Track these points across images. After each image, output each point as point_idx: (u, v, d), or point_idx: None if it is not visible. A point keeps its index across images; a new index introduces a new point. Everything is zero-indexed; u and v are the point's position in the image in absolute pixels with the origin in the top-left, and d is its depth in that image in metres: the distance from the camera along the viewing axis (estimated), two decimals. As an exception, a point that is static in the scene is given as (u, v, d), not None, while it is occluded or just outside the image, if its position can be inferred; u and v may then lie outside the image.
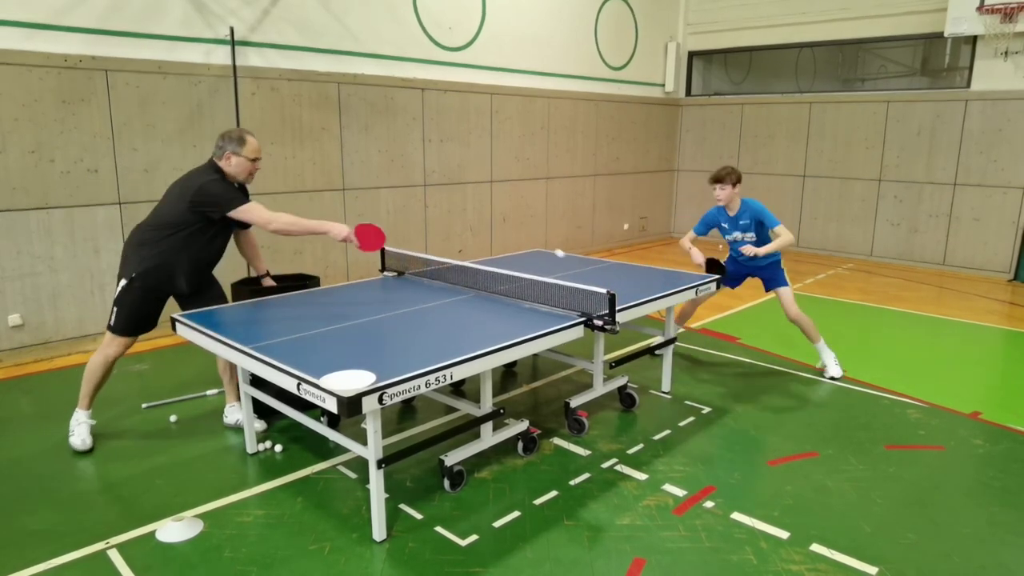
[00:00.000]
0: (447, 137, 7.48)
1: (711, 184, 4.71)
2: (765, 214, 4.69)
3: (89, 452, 3.57)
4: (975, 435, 3.88)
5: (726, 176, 4.64)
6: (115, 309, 3.55)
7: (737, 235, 4.78)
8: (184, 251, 3.52)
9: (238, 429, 3.85)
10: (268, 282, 4.10)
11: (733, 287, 5.04)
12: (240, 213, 3.47)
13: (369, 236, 3.73)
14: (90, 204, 5.11)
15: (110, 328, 3.57)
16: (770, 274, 4.85)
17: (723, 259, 4.87)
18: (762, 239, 4.75)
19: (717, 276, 4.45)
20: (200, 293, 3.69)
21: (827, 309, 6.68)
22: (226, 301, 3.76)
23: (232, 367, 3.87)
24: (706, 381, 4.70)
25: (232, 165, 3.53)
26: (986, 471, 3.47)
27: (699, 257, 4.78)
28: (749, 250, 4.61)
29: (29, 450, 3.62)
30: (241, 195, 3.54)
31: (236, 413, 3.88)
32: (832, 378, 4.72)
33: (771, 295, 4.94)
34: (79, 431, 3.60)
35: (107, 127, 5.12)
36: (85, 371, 3.62)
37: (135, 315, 3.56)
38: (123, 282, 3.52)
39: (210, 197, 3.44)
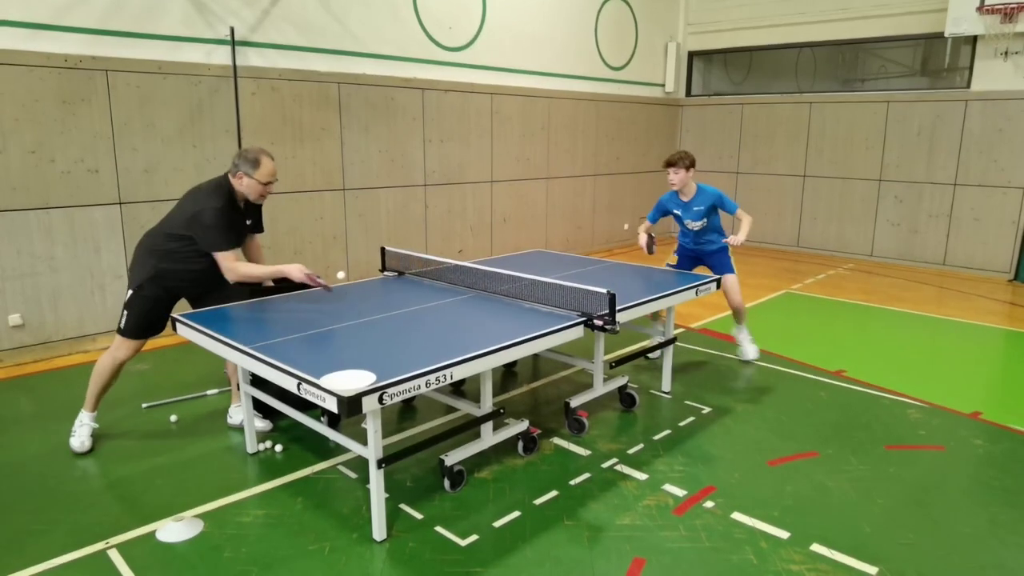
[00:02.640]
0: (447, 137, 7.48)
1: (665, 168, 4.78)
2: (724, 200, 4.76)
3: (88, 453, 3.56)
4: (975, 435, 3.88)
5: (679, 160, 4.69)
6: (124, 312, 3.58)
7: (689, 222, 4.83)
8: (191, 261, 3.55)
9: (239, 429, 3.85)
10: (268, 283, 4.10)
11: None
12: (215, 256, 3.50)
13: (317, 284, 3.78)
14: (90, 204, 5.11)
15: (119, 331, 3.59)
16: (718, 260, 4.92)
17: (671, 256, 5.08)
18: (712, 227, 4.84)
19: (717, 277, 4.45)
20: (211, 293, 3.70)
21: (828, 309, 6.68)
22: (241, 297, 3.76)
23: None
24: (706, 381, 4.70)
25: (243, 185, 3.56)
26: (986, 471, 3.47)
27: (643, 239, 4.93)
28: (736, 240, 4.66)
29: (29, 450, 3.61)
30: (225, 238, 3.50)
31: (241, 414, 3.87)
32: (746, 361, 4.94)
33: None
34: (80, 433, 3.59)
35: (107, 127, 5.12)
36: (93, 371, 3.63)
37: (144, 319, 3.58)
38: (131, 289, 3.56)
39: (199, 229, 3.45)
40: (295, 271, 3.64)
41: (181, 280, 3.59)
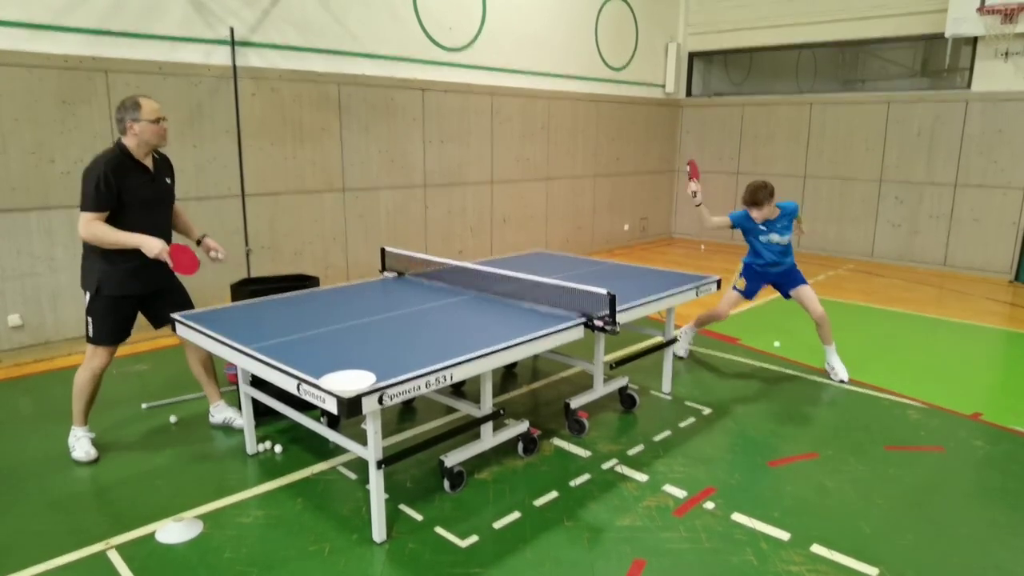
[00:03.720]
0: (447, 138, 7.48)
1: (748, 207, 4.59)
2: (797, 209, 4.75)
3: (95, 461, 3.51)
4: (975, 436, 3.88)
5: (763, 198, 4.51)
6: (88, 320, 3.47)
7: (774, 236, 4.70)
8: (125, 252, 3.38)
9: (227, 428, 3.86)
10: (208, 243, 3.77)
11: (751, 298, 4.97)
12: (80, 214, 3.31)
13: (183, 259, 3.46)
14: (90, 204, 5.10)
15: (89, 340, 3.50)
16: (790, 276, 4.81)
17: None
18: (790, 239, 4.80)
19: (717, 278, 4.43)
20: (163, 296, 3.61)
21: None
22: (192, 307, 3.69)
23: (206, 367, 3.84)
24: (707, 382, 4.70)
25: (138, 132, 3.33)
26: (986, 472, 3.47)
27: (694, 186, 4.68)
28: (801, 230, 4.78)
29: (29, 450, 3.61)
30: (94, 198, 3.26)
31: (222, 411, 3.88)
32: (841, 381, 4.69)
33: (776, 300, 4.93)
34: (80, 445, 3.52)
35: (107, 128, 5.12)
36: (74, 389, 3.54)
37: (109, 322, 3.47)
38: (88, 293, 3.45)
39: (81, 191, 3.30)
40: (154, 244, 3.31)
41: (126, 267, 3.41)
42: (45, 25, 4.77)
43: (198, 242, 3.80)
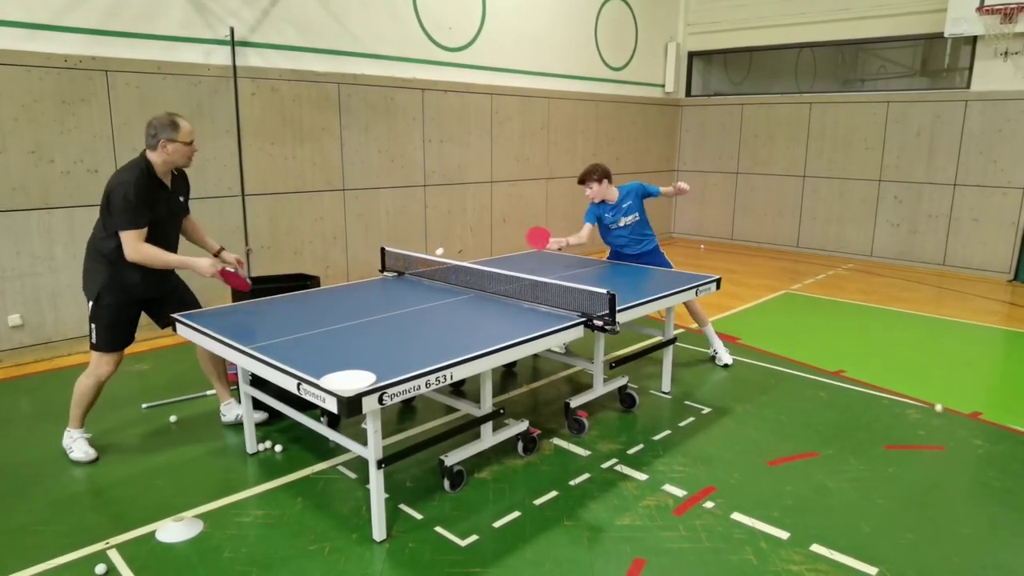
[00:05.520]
0: (447, 137, 7.48)
1: (580, 185, 4.75)
2: (645, 186, 4.76)
3: (94, 460, 3.50)
4: (975, 435, 3.88)
5: (587, 176, 4.67)
6: (92, 327, 3.44)
7: (622, 220, 4.79)
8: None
9: (238, 426, 3.85)
10: (226, 256, 3.80)
11: None
12: (120, 235, 3.30)
13: (234, 280, 3.66)
14: (90, 204, 5.10)
15: (94, 347, 3.46)
16: (653, 260, 4.86)
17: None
18: (645, 220, 4.83)
19: (717, 277, 4.44)
20: (168, 297, 3.61)
21: (827, 309, 6.68)
22: (199, 306, 3.69)
23: (217, 365, 3.85)
24: (706, 381, 4.70)
25: (170, 152, 3.34)
26: (986, 472, 3.47)
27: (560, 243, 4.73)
28: (682, 184, 4.68)
29: (29, 451, 3.61)
30: (133, 216, 3.27)
31: (234, 409, 3.88)
32: (726, 365, 4.85)
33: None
34: (78, 446, 3.50)
35: (107, 127, 5.12)
36: (75, 394, 3.52)
37: (114, 328, 3.45)
38: (91, 301, 3.43)
39: (111, 208, 3.28)
40: (205, 266, 3.43)
41: (133, 277, 3.41)
42: (45, 25, 4.77)
43: (215, 254, 3.80)
